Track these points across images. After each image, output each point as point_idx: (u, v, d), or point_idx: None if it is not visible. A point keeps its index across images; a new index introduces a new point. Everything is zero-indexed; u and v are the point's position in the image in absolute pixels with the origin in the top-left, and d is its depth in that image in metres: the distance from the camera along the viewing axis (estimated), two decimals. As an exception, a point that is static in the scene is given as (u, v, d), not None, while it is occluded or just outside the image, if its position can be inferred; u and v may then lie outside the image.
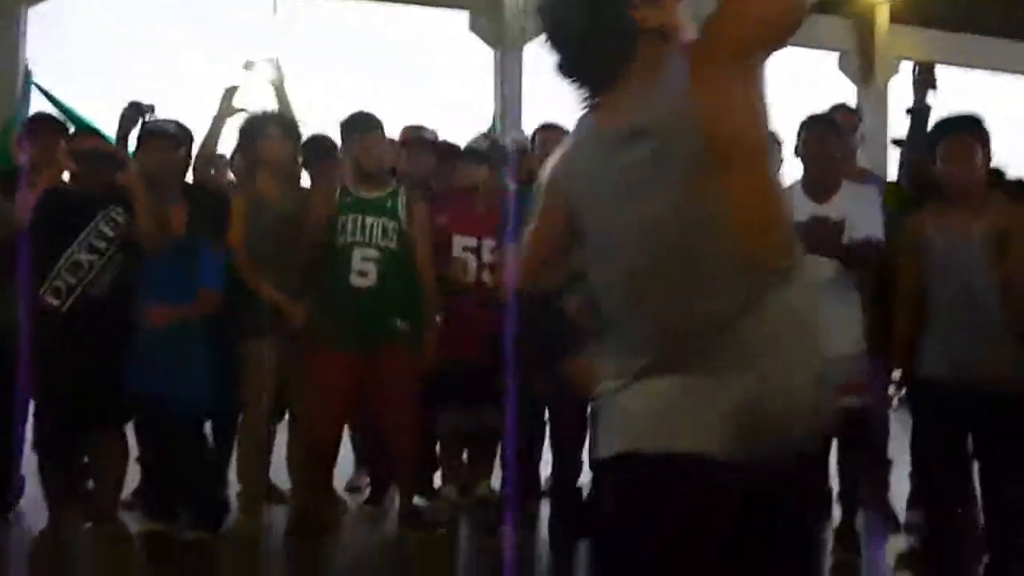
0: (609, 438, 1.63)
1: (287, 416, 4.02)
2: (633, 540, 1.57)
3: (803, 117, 3.58)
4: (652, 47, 1.59)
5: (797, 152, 3.59)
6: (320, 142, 4.21)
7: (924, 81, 3.64)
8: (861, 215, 3.43)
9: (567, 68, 1.67)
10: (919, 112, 3.63)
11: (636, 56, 1.60)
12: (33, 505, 3.89)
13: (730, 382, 1.53)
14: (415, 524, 3.88)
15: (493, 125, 7.62)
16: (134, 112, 3.85)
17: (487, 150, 4.04)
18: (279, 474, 4.17)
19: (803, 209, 3.40)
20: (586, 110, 1.68)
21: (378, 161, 3.78)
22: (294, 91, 4.07)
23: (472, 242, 3.91)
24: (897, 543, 3.71)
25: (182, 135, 3.97)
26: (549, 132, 3.94)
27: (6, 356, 3.60)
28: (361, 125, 3.79)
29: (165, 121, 4.03)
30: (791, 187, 3.50)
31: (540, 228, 1.82)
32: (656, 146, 1.54)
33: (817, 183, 3.49)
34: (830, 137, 3.52)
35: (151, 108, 3.87)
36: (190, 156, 4.03)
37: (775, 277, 1.56)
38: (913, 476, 3.75)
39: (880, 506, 3.88)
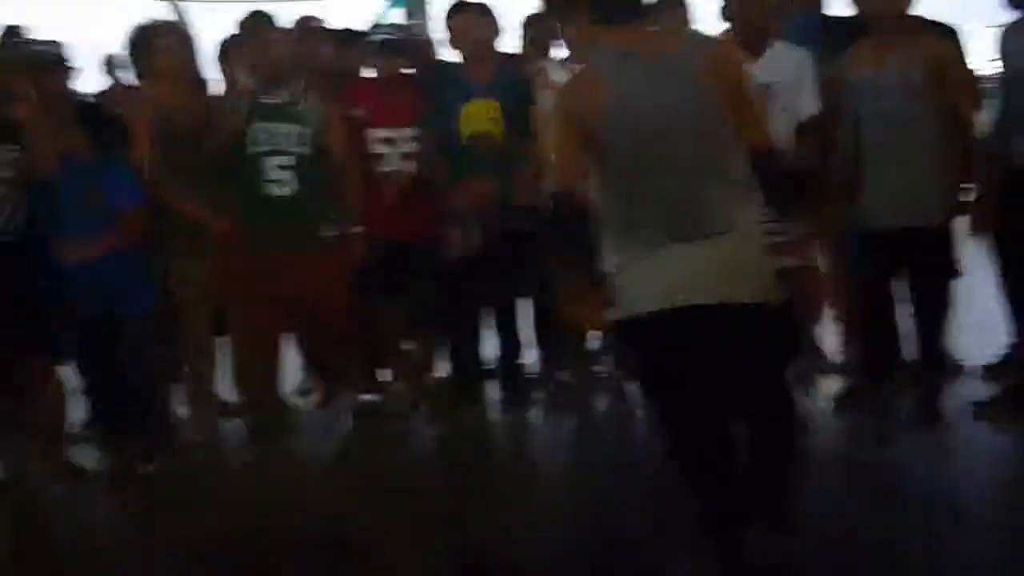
0: (642, 299, 2.21)
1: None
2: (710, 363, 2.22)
3: None
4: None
5: (724, 13, 3.54)
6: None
7: None
8: (794, 85, 3.28)
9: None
10: None
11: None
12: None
13: (718, 245, 2.18)
14: (370, 420, 3.92)
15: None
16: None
17: (395, 38, 3.86)
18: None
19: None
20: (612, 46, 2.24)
21: (276, 62, 3.60)
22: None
23: (390, 133, 3.79)
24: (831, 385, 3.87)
25: (67, 55, 3.74)
26: (463, 15, 3.78)
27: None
28: (251, 24, 3.60)
29: (48, 42, 3.80)
30: None
31: (569, 142, 2.26)
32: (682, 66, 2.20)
33: (744, 44, 3.33)
34: None
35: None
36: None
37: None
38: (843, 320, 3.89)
39: (815, 352, 4.02)
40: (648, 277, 2.21)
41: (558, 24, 2.63)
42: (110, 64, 4.65)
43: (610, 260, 2.28)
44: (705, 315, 2.18)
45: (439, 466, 3.74)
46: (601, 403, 4.02)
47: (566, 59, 3.51)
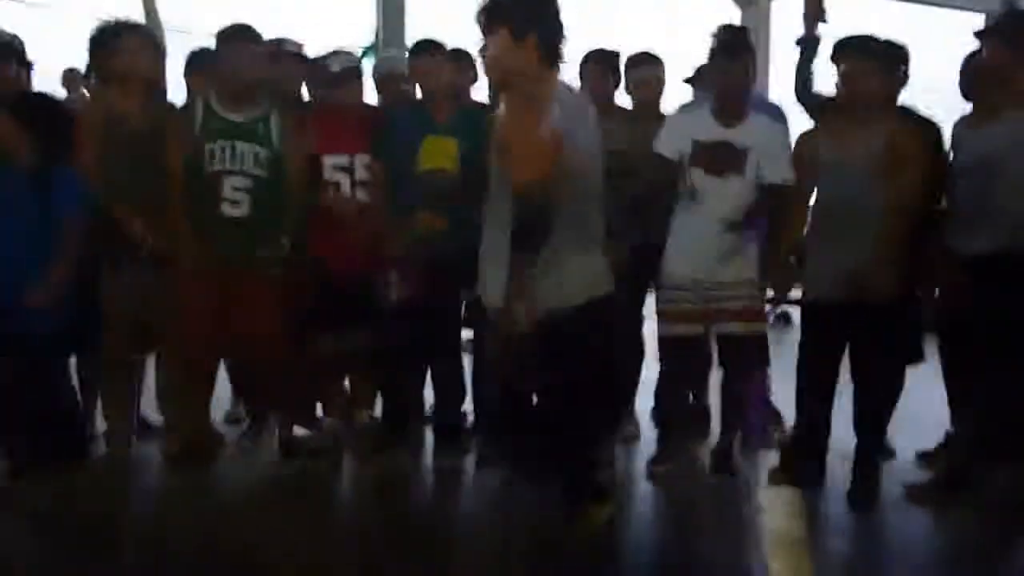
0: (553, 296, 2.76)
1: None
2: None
3: (711, 40, 3.53)
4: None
5: (695, 78, 3.58)
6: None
7: (813, 13, 3.69)
8: (770, 153, 3.47)
9: None
10: (808, 43, 3.69)
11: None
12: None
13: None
14: (296, 454, 3.79)
15: (375, 42, 7.35)
16: None
17: (354, 66, 3.81)
18: (150, 408, 4.05)
19: (711, 133, 3.49)
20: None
21: (249, 79, 3.52)
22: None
23: (344, 160, 3.71)
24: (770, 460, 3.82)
25: (17, 46, 3.64)
26: (426, 55, 3.75)
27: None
28: (231, 36, 3.52)
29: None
30: (701, 111, 3.58)
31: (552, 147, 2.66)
32: None
33: (726, 109, 3.51)
34: (740, 62, 3.48)
35: None
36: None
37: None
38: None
39: (760, 424, 3.98)
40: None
41: None
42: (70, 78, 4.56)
43: None
44: None
45: (348, 507, 3.64)
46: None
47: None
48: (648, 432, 4.10)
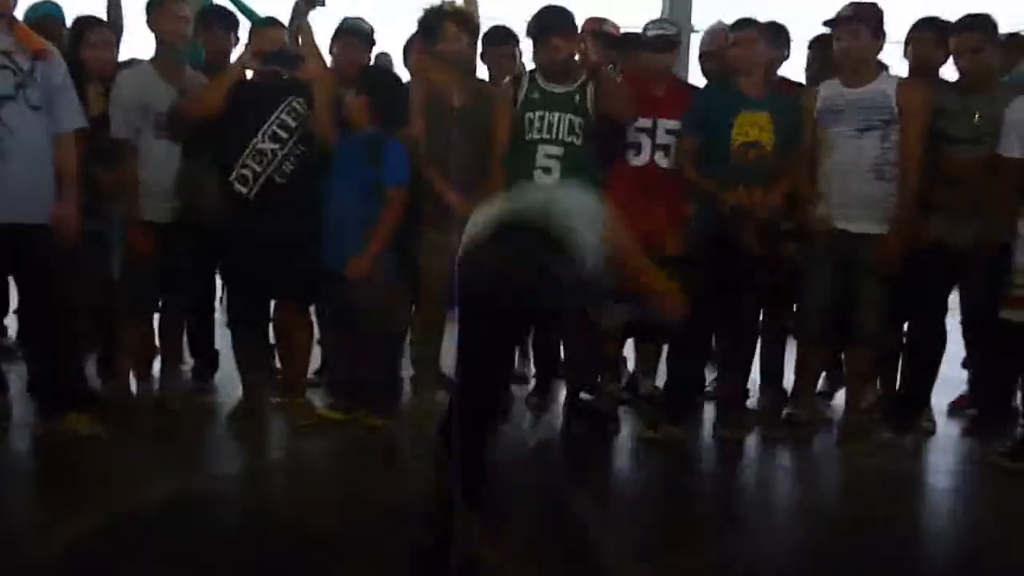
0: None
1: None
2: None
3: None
4: None
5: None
6: (496, 32, 4.23)
7: None
8: None
9: None
10: None
11: None
12: (228, 379, 4.20)
13: None
14: (581, 416, 3.96)
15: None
16: (308, 5, 3.88)
17: (667, 38, 3.91)
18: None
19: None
20: None
21: (566, 63, 3.71)
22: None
23: (647, 123, 3.84)
24: None
25: (372, 32, 4.02)
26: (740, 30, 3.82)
27: (200, 239, 3.82)
28: (550, 26, 3.70)
29: (357, 19, 4.16)
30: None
31: None
32: None
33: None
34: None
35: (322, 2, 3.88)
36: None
37: None
38: None
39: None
40: None
41: None
42: None
43: None
44: None
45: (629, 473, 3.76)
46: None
47: None
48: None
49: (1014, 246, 3.55)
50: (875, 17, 3.70)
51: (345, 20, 4.24)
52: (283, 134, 3.67)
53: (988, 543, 3.00)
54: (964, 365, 4.53)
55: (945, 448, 3.98)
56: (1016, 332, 3.55)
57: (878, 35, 3.71)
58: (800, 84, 4.14)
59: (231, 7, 4.46)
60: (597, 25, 4.08)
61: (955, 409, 4.43)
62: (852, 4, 3.70)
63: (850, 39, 3.66)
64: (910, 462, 3.77)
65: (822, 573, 2.74)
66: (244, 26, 4.22)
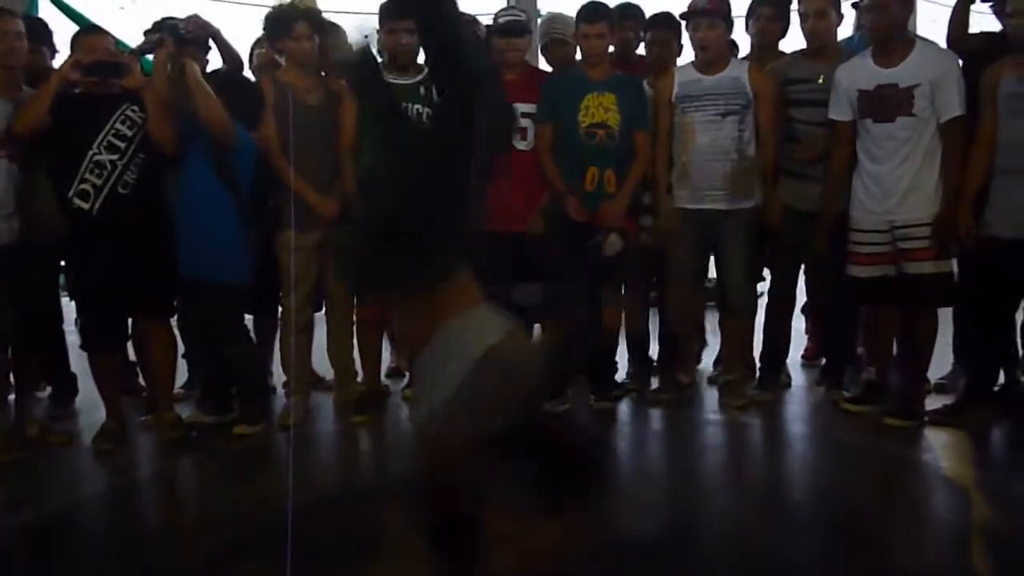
0: None
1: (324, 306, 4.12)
2: None
3: None
4: None
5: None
6: None
7: None
8: (939, 86, 3.49)
9: None
10: None
11: None
12: (89, 402, 4.04)
13: None
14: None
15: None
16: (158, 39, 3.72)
17: (519, 23, 4.00)
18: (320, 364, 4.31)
19: (870, 77, 3.58)
20: None
21: (410, 55, 3.77)
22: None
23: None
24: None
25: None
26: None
27: (45, 259, 3.68)
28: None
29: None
30: (860, 57, 3.67)
31: None
32: None
33: (883, 48, 3.57)
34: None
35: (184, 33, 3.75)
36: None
37: None
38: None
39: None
40: None
41: None
42: None
43: None
44: None
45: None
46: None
47: None
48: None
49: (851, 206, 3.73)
50: (727, 7, 3.88)
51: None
52: (119, 143, 3.55)
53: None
54: (803, 311, 4.80)
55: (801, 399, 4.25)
56: (859, 286, 3.75)
57: (729, 24, 3.90)
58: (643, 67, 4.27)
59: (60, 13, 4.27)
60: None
61: (805, 362, 4.73)
62: None
63: (708, 31, 3.80)
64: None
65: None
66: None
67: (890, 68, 3.55)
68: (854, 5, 4.08)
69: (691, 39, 3.91)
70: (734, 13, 3.99)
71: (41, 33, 4.04)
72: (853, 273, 3.73)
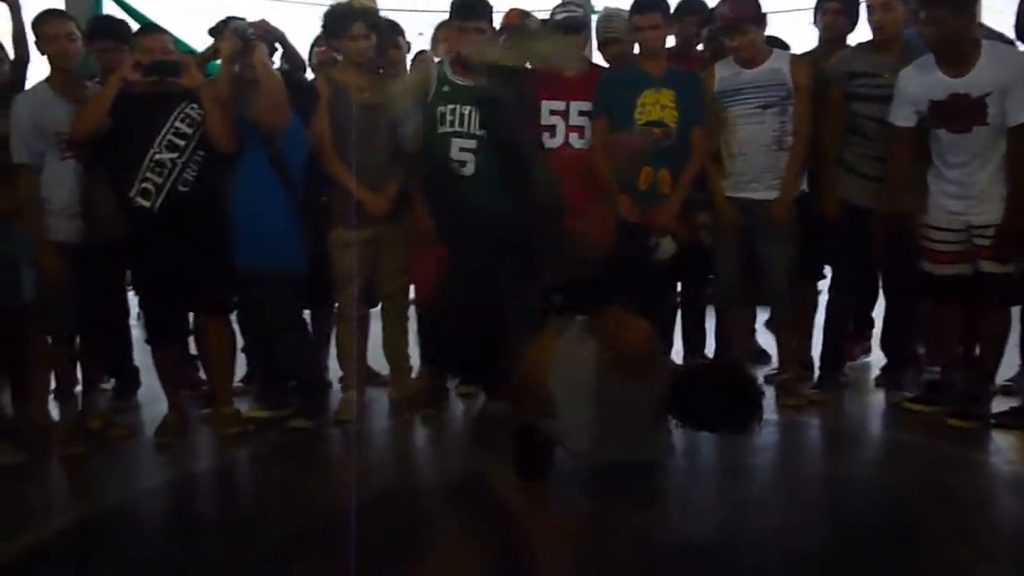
0: None
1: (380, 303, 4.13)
2: None
3: None
4: None
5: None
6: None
7: None
8: (1008, 91, 3.36)
9: None
10: None
11: None
12: (151, 395, 4.14)
13: None
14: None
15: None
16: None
17: (575, 19, 3.94)
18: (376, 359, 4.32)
19: (940, 87, 3.46)
20: None
21: (480, 54, 3.73)
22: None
23: (561, 106, 3.89)
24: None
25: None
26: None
27: (110, 256, 3.76)
28: (468, 13, 3.75)
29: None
30: (925, 63, 3.51)
31: None
32: None
33: (950, 56, 3.45)
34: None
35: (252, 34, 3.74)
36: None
37: None
38: None
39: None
40: None
41: None
42: None
43: None
44: None
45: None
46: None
47: None
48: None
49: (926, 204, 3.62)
50: (754, 8, 3.80)
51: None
52: (180, 142, 3.61)
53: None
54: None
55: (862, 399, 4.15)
56: (930, 284, 3.66)
57: (761, 25, 3.84)
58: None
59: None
60: (518, 18, 4.12)
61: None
62: (730, 4, 3.79)
63: (741, 38, 3.77)
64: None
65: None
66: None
67: (960, 77, 3.43)
68: None
69: (728, 46, 3.85)
70: (801, 6, 3.93)
71: (121, 33, 4.07)
72: (930, 270, 3.64)
